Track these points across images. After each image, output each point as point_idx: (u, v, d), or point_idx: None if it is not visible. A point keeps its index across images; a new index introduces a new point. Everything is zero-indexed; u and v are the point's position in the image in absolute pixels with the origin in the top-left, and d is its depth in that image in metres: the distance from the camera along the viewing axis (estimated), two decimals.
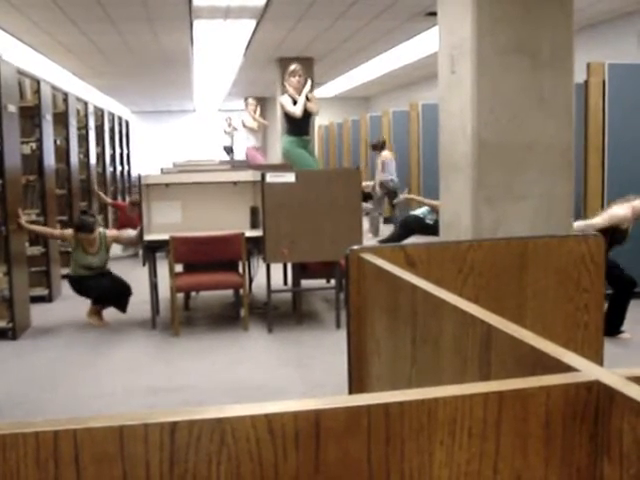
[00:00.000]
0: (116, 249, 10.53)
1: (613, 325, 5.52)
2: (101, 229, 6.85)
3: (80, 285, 6.57)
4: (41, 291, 7.58)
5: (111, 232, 7.20)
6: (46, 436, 0.83)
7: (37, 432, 0.83)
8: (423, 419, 0.92)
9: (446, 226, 5.30)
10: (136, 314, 6.87)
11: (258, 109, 13.80)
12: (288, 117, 8.25)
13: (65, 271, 8.19)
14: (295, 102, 8.12)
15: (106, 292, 6.54)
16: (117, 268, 8.30)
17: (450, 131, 5.13)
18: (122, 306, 6.61)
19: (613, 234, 5.49)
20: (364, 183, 10.53)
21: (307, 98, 8.12)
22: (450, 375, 1.43)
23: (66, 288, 7.85)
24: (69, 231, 6.70)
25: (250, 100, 14.05)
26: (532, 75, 4.80)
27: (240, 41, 11.93)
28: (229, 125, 20.16)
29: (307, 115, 8.26)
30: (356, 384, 2.02)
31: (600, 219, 5.59)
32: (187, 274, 6.54)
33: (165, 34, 11.06)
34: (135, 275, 8.63)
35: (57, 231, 7.06)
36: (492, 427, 0.94)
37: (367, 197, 12.13)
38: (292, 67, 8.19)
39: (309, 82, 8.24)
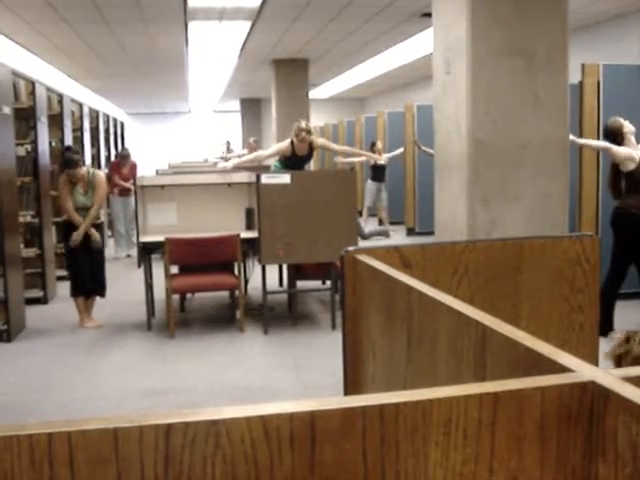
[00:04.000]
0: (110, 250, 10.54)
1: (604, 323, 5.48)
2: (91, 169, 6.75)
3: (69, 235, 6.48)
4: (36, 293, 7.57)
5: (101, 176, 6.78)
6: (40, 438, 0.82)
7: (31, 434, 0.82)
8: (418, 420, 0.92)
9: (441, 226, 5.30)
10: (131, 316, 6.86)
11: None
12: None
13: (60, 272, 8.19)
14: (293, 151, 7.77)
15: (83, 273, 6.48)
16: (113, 269, 8.29)
17: (445, 132, 5.14)
18: (100, 291, 6.62)
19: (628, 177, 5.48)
20: None
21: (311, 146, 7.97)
22: (445, 376, 1.43)
23: (61, 290, 7.85)
24: (62, 179, 6.56)
25: (251, 140, 14.24)
26: (527, 76, 4.81)
27: (235, 42, 11.93)
28: (228, 149, 20.26)
29: (303, 160, 8.07)
30: (351, 385, 2.02)
31: (620, 149, 5.54)
32: (182, 275, 6.53)
33: (160, 36, 11.05)
34: (130, 276, 8.62)
35: (69, 203, 6.54)
36: (487, 428, 0.94)
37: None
38: (302, 133, 7.67)
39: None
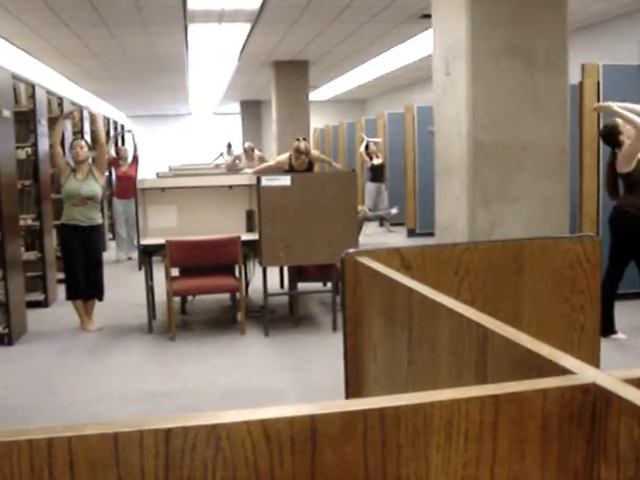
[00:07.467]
0: (111, 254, 10.54)
1: (605, 323, 5.46)
2: (91, 159, 6.78)
3: (67, 238, 6.47)
4: (37, 296, 7.56)
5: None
6: (40, 443, 0.82)
7: (31, 440, 0.82)
8: (419, 423, 0.91)
9: (442, 228, 5.30)
10: (132, 318, 6.86)
11: (256, 151, 14.08)
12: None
13: (61, 276, 8.18)
14: (291, 166, 7.75)
15: (79, 277, 6.45)
16: (113, 272, 8.29)
17: (445, 133, 5.13)
18: (97, 294, 6.61)
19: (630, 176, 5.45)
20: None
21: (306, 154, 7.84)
22: (446, 378, 1.43)
23: (62, 293, 7.84)
24: (65, 160, 6.61)
25: (246, 145, 14.29)
26: (527, 77, 4.81)
27: (235, 45, 11.93)
28: (229, 151, 20.24)
29: (302, 170, 7.99)
30: (353, 387, 2.02)
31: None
32: (183, 278, 6.53)
33: (160, 38, 11.06)
34: (131, 279, 8.62)
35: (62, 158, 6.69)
36: (489, 430, 0.93)
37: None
38: (302, 157, 7.66)
39: None
